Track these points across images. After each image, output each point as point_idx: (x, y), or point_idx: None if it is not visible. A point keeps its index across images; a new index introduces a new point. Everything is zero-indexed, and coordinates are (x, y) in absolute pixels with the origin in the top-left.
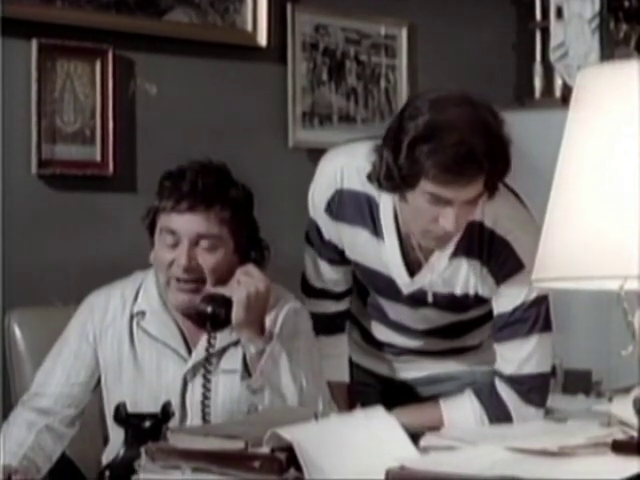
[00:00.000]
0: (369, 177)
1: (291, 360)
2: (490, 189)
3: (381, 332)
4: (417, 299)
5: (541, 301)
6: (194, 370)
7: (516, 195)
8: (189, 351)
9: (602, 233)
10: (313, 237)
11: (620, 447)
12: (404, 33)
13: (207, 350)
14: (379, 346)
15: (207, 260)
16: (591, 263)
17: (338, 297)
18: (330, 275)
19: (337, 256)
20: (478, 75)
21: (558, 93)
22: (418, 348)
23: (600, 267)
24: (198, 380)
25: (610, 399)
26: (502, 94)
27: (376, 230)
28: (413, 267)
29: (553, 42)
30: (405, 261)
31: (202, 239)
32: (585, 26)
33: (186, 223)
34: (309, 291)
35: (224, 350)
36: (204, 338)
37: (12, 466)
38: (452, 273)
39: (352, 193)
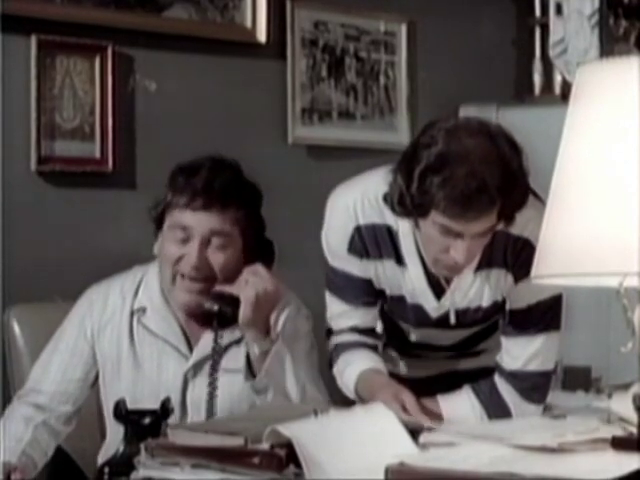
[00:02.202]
0: (385, 198)
1: (293, 361)
2: (505, 220)
3: (399, 349)
4: (446, 322)
5: (556, 301)
6: (195, 368)
7: (534, 194)
8: (190, 349)
9: (602, 230)
10: (341, 285)
11: (620, 443)
12: (403, 29)
13: (214, 349)
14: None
15: (217, 259)
16: (591, 260)
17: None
18: (364, 318)
19: (372, 298)
20: (477, 72)
21: (558, 89)
22: (434, 356)
23: (600, 264)
24: (199, 379)
25: (610, 395)
26: (501, 91)
27: (399, 258)
28: (439, 290)
29: (552, 38)
30: (430, 285)
31: (214, 237)
32: (585, 22)
33: (200, 221)
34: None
35: (226, 349)
36: (206, 336)
37: (12, 463)
38: (479, 287)
39: (370, 227)
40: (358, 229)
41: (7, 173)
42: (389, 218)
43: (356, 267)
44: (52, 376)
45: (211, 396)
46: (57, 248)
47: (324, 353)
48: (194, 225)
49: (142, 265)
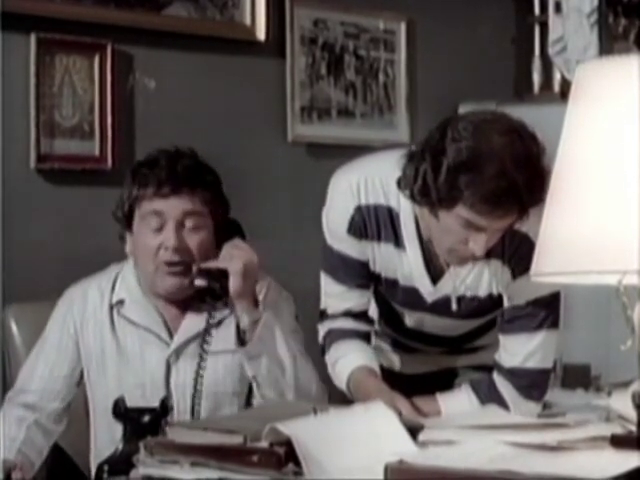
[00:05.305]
0: (399, 184)
1: (282, 330)
2: (521, 215)
3: (394, 336)
4: (440, 308)
5: (554, 298)
6: (177, 353)
7: None
8: (170, 335)
9: (601, 228)
10: (336, 265)
11: (619, 442)
12: (403, 28)
13: (208, 322)
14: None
15: (194, 240)
16: (590, 258)
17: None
18: (358, 300)
19: (366, 280)
20: (477, 70)
21: (557, 88)
22: (430, 351)
23: (599, 262)
24: (181, 363)
25: (609, 393)
26: (501, 89)
27: (398, 241)
28: (436, 274)
29: (552, 36)
30: (427, 269)
31: (187, 218)
32: (584, 20)
33: (171, 205)
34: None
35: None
36: (186, 321)
37: (12, 461)
38: (475, 276)
39: (372, 207)
40: (359, 209)
41: (6, 171)
42: (392, 200)
43: (353, 248)
44: (39, 374)
45: (197, 374)
46: (56, 246)
47: (315, 337)
48: (166, 210)
49: (117, 264)
